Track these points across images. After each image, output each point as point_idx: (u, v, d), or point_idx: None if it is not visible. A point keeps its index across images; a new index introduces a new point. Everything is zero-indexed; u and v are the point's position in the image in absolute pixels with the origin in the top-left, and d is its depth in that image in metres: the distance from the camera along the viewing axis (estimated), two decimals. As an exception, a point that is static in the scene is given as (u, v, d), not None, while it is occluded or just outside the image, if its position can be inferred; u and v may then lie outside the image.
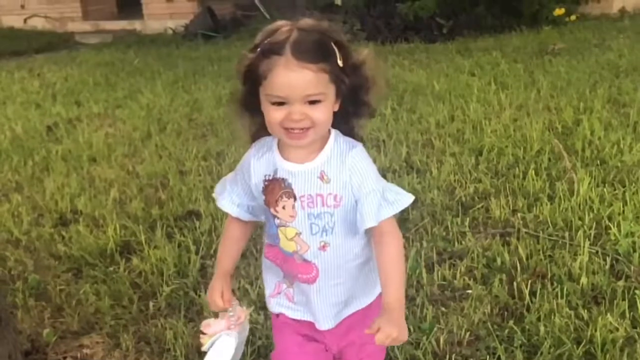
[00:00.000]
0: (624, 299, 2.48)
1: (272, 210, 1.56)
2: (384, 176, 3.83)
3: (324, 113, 1.46)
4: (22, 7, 14.04)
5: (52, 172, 4.52)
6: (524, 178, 3.67)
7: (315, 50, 1.41)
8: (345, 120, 1.58)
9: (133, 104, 6.30)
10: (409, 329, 2.40)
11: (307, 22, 1.47)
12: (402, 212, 3.43)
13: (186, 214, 3.62)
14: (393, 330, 1.41)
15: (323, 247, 1.57)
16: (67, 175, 4.42)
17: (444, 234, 3.18)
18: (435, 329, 2.41)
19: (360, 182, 1.51)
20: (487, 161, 4.00)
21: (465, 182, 3.71)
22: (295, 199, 1.53)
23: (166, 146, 4.92)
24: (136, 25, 12.52)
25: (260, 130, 1.57)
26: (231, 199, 1.64)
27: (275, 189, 1.54)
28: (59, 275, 3.06)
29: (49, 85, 7.53)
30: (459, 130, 4.59)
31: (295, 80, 1.40)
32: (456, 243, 3.07)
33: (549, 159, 3.91)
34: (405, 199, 1.62)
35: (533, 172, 3.67)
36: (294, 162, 1.53)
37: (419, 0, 8.65)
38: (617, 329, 2.30)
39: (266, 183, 1.56)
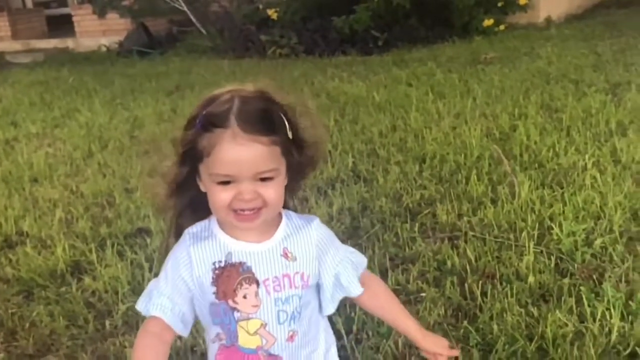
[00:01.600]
0: (570, 296, 2.59)
1: (230, 302, 1.35)
2: (333, 186, 3.94)
3: (276, 191, 1.30)
4: (-53, 27, 13.62)
5: (-8, 195, 4.41)
6: (466, 183, 3.79)
7: (264, 121, 1.26)
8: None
9: (71, 123, 6.19)
10: (367, 334, 2.48)
11: (248, 88, 1.33)
12: (353, 219, 3.51)
13: (136, 231, 3.60)
14: (445, 341, 1.63)
15: (291, 338, 1.40)
16: (8, 197, 4.32)
17: (395, 239, 3.26)
18: (393, 332, 2.47)
19: (333, 255, 1.44)
20: (431, 168, 4.10)
21: (411, 189, 3.81)
22: (258, 284, 1.35)
23: (109, 164, 4.86)
24: (68, 43, 12.30)
25: (184, 212, 1.43)
26: (161, 304, 1.36)
27: (231, 276, 1.35)
28: (8, 298, 3.00)
29: (-18, 107, 7.33)
30: (401, 139, 4.70)
31: (245, 156, 1.24)
32: (407, 248, 3.14)
33: (489, 164, 4.04)
34: (361, 256, 1.57)
35: (475, 177, 3.80)
36: (250, 241, 1.37)
37: (353, 14, 8.80)
38: (566, 325, 2.40)
39: (217, 272, 1.35)
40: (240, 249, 1.36)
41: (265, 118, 1.27)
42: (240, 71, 8.12)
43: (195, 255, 1.36)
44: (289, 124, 1.31)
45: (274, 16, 9.60)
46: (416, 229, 3.33)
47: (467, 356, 2.32)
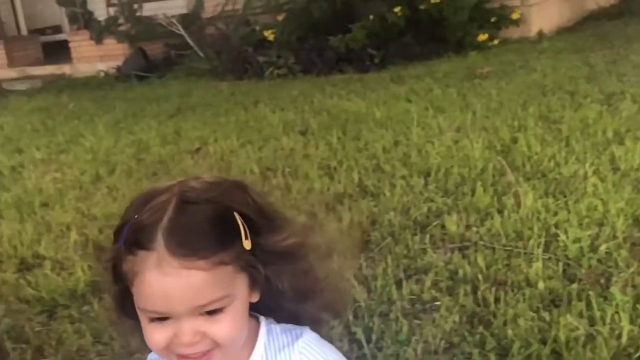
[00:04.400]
0: (579, 300, 2.68)
1: None
2: (341, 202, 4.03)
3: (230, 324, 1.01)
4: (-57, 56, 13.71)
5: (4, 220, 4.48)
6: (472, 195, 3.88)
7: (205, 236, 0.98)
8: (280, 305, 1.16)
9: (77, 148, 6.28)
10: (386, 342, 2.56)
11: (195, 184, 1.06)
12: (363, 233, 3.60)
13: (151, 251, 3.67)
14: None
15: None
16: (21, 222, 4.40)
17: (406, 251, 3.34)
18: (412, 340, 2.55)
19: None
20: (436, 181, 4.20)
21: (419, 202, 3.90)
22: None
23: (118, 187, 4.94)
24: (65, 69, 12.40)
25: (137, 334, 1.14)
26: None
27: None
28: (31, 318, 3.08)
29: (-15, 134, 7.41)
30: (405, 154, 4.80)
31: (175, 289, 0.95)
32: (418, 259, 3.23)
33: (493, 176, 4.14)
34: None
35: (481, 188, 3.89)
36: None
37: (349, 33, 8.94)
38: (578, 328, 2.49)
39: None
40: None
41: (206, 231, 0.98)
42: (239, 92, 8.23)
43: None
44: (246, 228, 1.02)
45: (271, 37, 9.72)
46: (426, 240, 3.42)
47: (485, 360, 2.41)
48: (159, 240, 0.96)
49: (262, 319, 1.15)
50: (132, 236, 1.00)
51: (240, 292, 1.03)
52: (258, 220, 1.07)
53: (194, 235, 0.97)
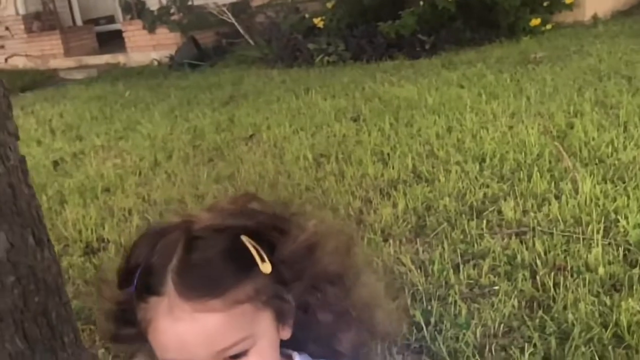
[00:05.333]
0: (641, 285, 2.67)
1: None
2: (395, 187, 4.06)
3: None
4: (2, 47, 14.12)
5: (68, 205, 4.63)
6: (529, 180, 3.87)
7: (216, 272, 0.89)
8: (315, 336, 1.05)
9: (134, 135, 6.43)
10: (446, 326, 2.59)
11: (202, 215, 0.97)
12: (418, 219, 3.63)
13: (211, 235, 3.77)
14: None
15: None
16: (84, 207, 4.55)
17: (462, 237, 3.36)
18: (472, 323, 2.58)
19: None
20: (491, 167, 4.19)
21: (474, 188, 3.90)
22: None
23: (176, 173, 5.06)
24: (119, 58, 12.64)
25: None
26: None
27: None
28: (99, 300, 3.19)
29: (45, 122, 7.63)
30: (459, 140, 4.80)
31: (190, 336, 0.88)
32: (475, 244, 3.25)
33: (549, 161, 4.12)
34: None
35: (537, 174, 3.88)
36: None
37: (399, 19, 8.91)
38: (640, 312, 2.49)
39: None
40: None
41: (218, 266, 0.90)
42: (290, 80, 8.29)
43: None
44: (261, 252, 0.92)
45: (320, 24, 9.75)
46: (483, 225, 3.43)
47: (545, 344, 2.42)
48: (169, 284, 0.88)
49: (295, 355, 1.04)
50: (142, 282, 0.91)
51: (265, 330, 0.92)
52: (272, 234, 0.97)
53: (204, 273, 0.88)
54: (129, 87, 9.37)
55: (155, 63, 11.37)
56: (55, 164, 5.79)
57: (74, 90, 10.00)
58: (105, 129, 6.86)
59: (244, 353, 0.90)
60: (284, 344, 1.01)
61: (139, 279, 0.93)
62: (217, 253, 0.90)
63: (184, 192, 4.53)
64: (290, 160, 4.92)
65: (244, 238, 0.92)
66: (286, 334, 0.99)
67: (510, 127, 4.90)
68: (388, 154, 4.72)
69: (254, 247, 0.92)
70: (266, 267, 0.91)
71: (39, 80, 11.94)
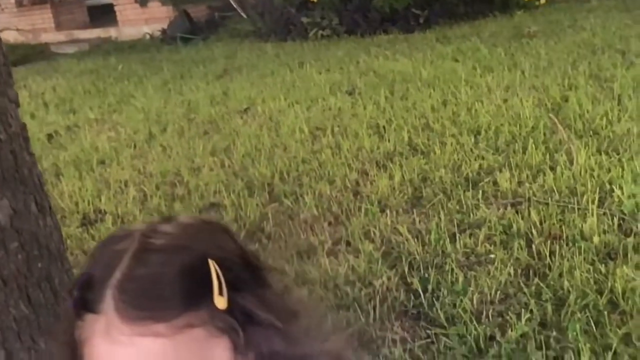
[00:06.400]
0: (636, 253, 2.71)
1: None
2: (391, 159, 4.07)
3: None
4: (-8, 20, 13.99)
5: (64, 177, 4.63)
6: (524, 152, 3.90)
7: (165, 292, 0.75)
8: None
9: (128, 108, 6.41)
10: (443, 293, 2.62)
11: (165, 227, 0.82)
12: (415, 190, 3.65)
13: (209, 206, 3.79)
14: None
15: None
16: (80, 179, 4.55)
17: (458, 207, 3.39)
18: (469, 290, 2.62)
19: None
20: (486, 139, 4.22)
21: (469, 160, 3.93)
22: None
23: (171, 145, 5.06)
24: (111, 32, 12.54)
25: None
26: None
27: None
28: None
29: (38, 96, 7.59)
30: (454, 113, 4.81)
31: None
32: (471, 214, 3.28)
33: (544, 134, 4.14)
34: None
35: (532, 146, 3.90)
36: None
37: (393, -7, 8.88)
38: (634, 279, 2.53)
39: None
40: None
41: (168, 286, 0.75)
42: (284, 53, 8.26)
43: None
44: (221, 280, 0.77)
45: (314, -3, 9.70)
46: (479, 196, 3.45)
47: (541, 310, 2.46)
48: (108, 300, 0.74)
49: None
50: (80, 296, 0.76)
51: (218, 359, 0.79)
52: (242, 272, 0.82)
53: (151, 292, 0.74)
54: (122, 61, 9.31)
55: (148, 37, 11.29)
56: (50, 137, 5.77)
57: (66, 64, 9.93)
58: (99, 103, 6.84)
59: None
60: None
61: (77, 292, 0.77)
62: (172, 271, 0.75)
63: (179, 165, 4.54)
64: (286, 133, 4.93)
65: (212, 263, 0.77)
66: None
67: (505, 100, 4.92)
68: (384, 127, 4.73)
69: (218, 276, 0.76)
70: (221, 303, 0.76)
71: (31, 55, 11.84)
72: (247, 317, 0.80)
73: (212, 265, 0.77)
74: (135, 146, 5.17)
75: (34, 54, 12.01)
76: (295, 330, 0.86)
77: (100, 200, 4.09)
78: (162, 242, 0.79)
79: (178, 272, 0.75)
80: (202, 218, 0.96)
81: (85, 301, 0.76)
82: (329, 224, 3.43)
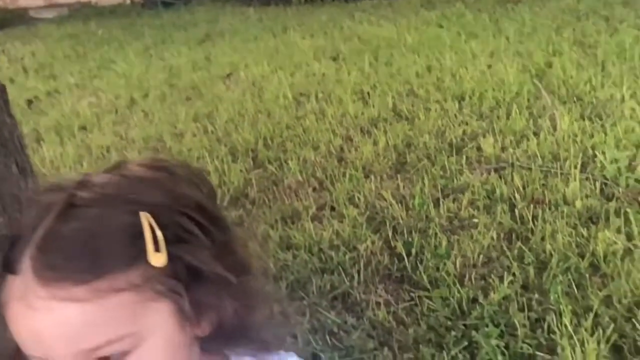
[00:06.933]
0: (617, 217, 2.73)
1: None
2: (376, 125, 4.06)
3: None
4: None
5: (45, 143, 4.58)
6: (507, 118, 3.90)
7: (86, 252, 0.67)
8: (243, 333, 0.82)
9: (109, 74, 6.33)
10: (427, 256, 2.64)
11: (103, 181, 0.73)
12: (399, 155, 3.66)
13: (193, 171, 3.76)
14: None
15: None
16: (61, 144, 4.50)
17: (442, 172, 3.39)
18: (452, 254, 2.63)
19: None
20: (470, 105, 4.21)
21: (453, 125, 3.93)
22: None
23: (153, 111, 5.01)
24: (91, -4, 12.35)
25: None
26: None
27: None
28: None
29: (17, 61, 7.48)
30: (438, 79, 4.79)
31: (47, 330, 0.67)
32: (455, 180, 3.28)
33: (528, 99, 4.14)
34: None
35: (516, 111, 3.90)
36: None
37: (378, -43, 8.78)
38: (616, 243, 2.55)
39: None
40: None
41: (90, 244, 0.67)
42: (267, 18, 8.18)
43: None
44: (157, 235, 0.69)
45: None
46: (462, 162, 3.46)
47: (523, 273, 2.48)
48: (26, 261, 0.67)
49: (230, 356, 0.83)
50: (4, 255, 0.69)
51: (158, 326, 0.70)
52: (192, 223, 0.73)
53: (72, 251, 0.66)
54: (102, 26, 9.17)
55: (128, 1, 11.12)
56: (30, 102, 5.69)
57: (45, 29, 9.77)
58: (79, 68, 6.74)
59: (125, 354, 0.68)
60: (210, 342, 0.79)
61: (4, 252, 0.70)
62: (97, 227, 0.67)
63: (162, 131, 4.50)
64: (270, 99, 4.89)
65: (144, 216, 0.68)
66: (203, 330, 0.76)
67: (490, 66, 4.91)
68: (368, 93, 4.71)
69: (153, 229, 0.68)
70: (158, 259, 0.68)
71: (9, 19, 11.62)
72: (194, 273, 0.72)
73: (145, 219, 0.68)
74: (116, 112, 5.12)
75: (12, 18, 11.79)
76: (248, 286, 0.79)
77: (81, 166, 4.05)
78: (92, 195, 0.70)
79: (105, 228, 0.68)
80: (159, 161, 0.80)
81: (7, 260, 0.69)
82: (314, 189, 3.43)
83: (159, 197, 0.73)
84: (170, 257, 0.69)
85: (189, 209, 0.74)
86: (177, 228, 0.71)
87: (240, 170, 3.68)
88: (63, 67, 6.92)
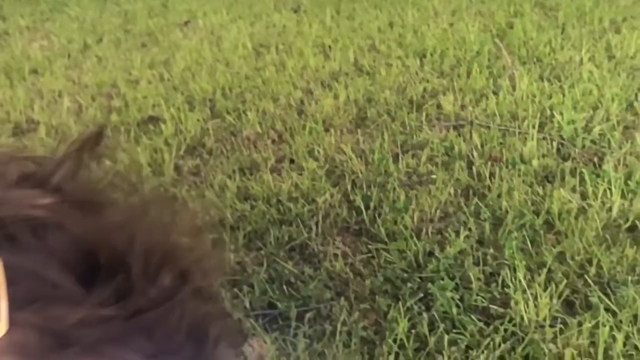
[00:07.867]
0: (573, 177, 2.76)
1: None
2: (337, 79, 4.02)
3: None
4: None
5: (-7, 85, 4.42)
6: (468, 76, 3.90)
7: None
8: None
9: (61, 17, 6.12)
10: (385, 210, 2.64)
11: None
12: (359, 110, 3.63)
13: (147, 119, 3.68)
14: None
15: None
16: (11, 87, 4.35)
17: (402, 128, 3.39)
18: (410, 207, 2.64)
19: None
20: (432, 62, 4.20)
21: (414, 82, 3.91)
22: None
23: (107, 57, 4.87)
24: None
25: None
26: None
27: None
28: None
29: (-37, 0, 7.16)
30: (400, 35, 4.76)
31: None
32: (414, 136, 3.28)
33: (489, 59, 4.15)
34: None
35: (477, 70, 3.90)
36: None
37: None
38: (570, 201, 2.59)
39: None
40: None
41: None
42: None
43: None
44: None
45: None
46: (422, 118, 3.45)
47: (479, 228, 2.51)
48: None
49: None
50: None
51: None
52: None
53: None
54: (54, -32, 8.83)
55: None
56: (-23, 43, 5.48)
57: (-6, -32, 9.36)
58: (30, 10, 6.49)
59: None
60: None
61: None
62: None
63: (116, 77, 4.37)
64: (229, 48, 4.80)
65: None
66: None
67: (451, 24, 4.89)
68: (329, 46, 4.65)
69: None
70: None
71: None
72: None
73: None
74: (69, 56, 4.96)
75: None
76: None
77: (32, 110, 3.93)
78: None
79: None
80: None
81: None
82: (273, 141, 3.39)
83: None
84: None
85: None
86: None
87: (198, 120, 3.61)
88: (13, 8, 6.65)
